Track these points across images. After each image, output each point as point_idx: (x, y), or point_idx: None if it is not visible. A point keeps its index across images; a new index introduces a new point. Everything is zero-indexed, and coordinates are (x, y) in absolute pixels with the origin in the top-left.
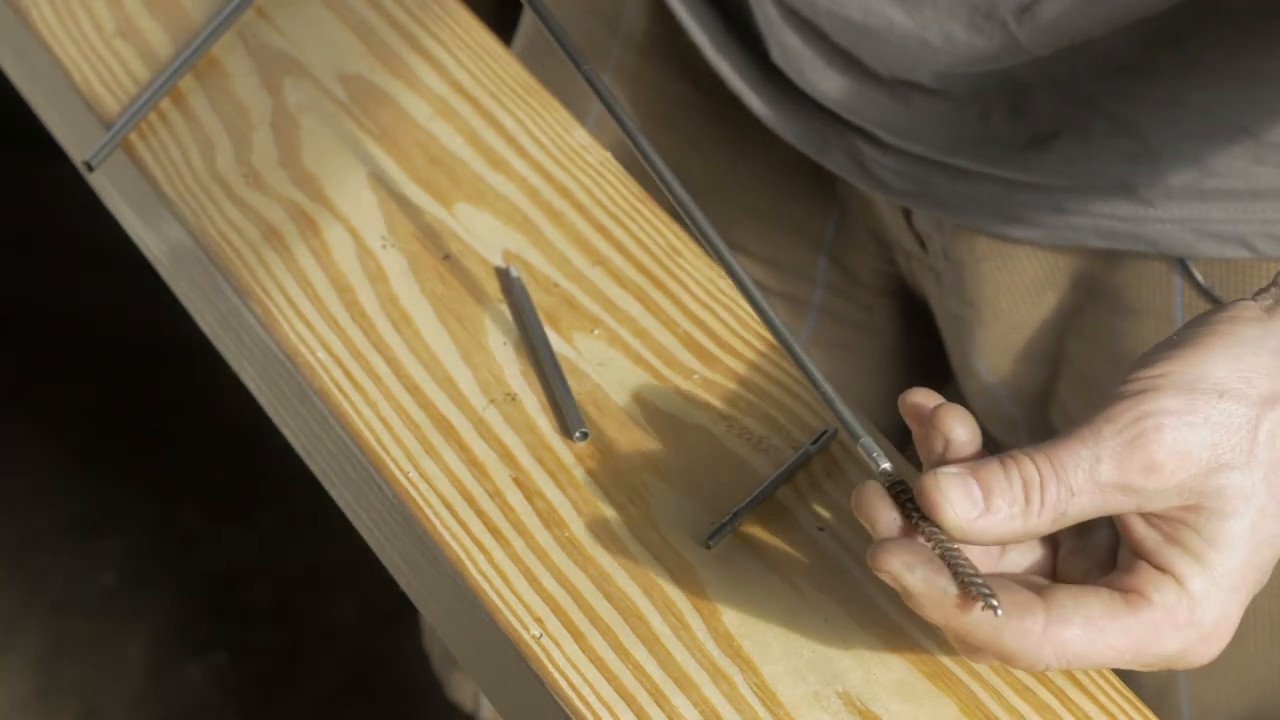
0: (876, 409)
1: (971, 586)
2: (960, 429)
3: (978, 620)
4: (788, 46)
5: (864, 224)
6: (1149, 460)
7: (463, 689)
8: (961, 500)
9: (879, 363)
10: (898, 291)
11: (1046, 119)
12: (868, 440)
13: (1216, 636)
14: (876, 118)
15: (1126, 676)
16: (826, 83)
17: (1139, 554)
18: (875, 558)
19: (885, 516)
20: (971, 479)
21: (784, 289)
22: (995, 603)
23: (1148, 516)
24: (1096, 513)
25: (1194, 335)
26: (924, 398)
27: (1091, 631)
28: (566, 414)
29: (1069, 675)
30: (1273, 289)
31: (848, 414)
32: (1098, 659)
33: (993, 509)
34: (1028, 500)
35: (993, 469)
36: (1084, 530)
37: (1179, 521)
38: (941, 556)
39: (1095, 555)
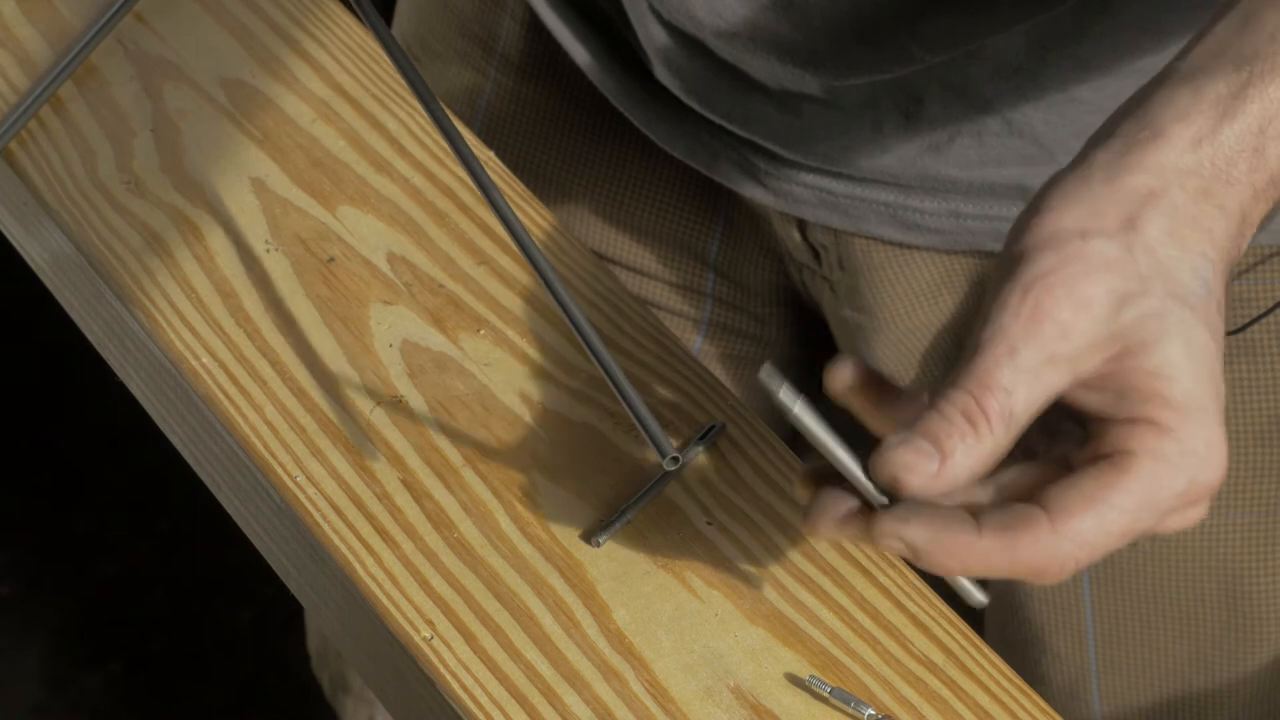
0: (770, 418)
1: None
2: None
3: (989, 551)
4: (673, 63)
5: (754, 237)
6: (1058, 324)
7: (356, 713)
8: (917, 460)
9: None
10: (789, 301)
11: (940, 124)
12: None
13: (1215, 455)
14: (766, 131)
15: (1036, 675)
16: (714, 98)
17: (1104, 418)
18: (884, 530)
19: (844, 506)
20: (916, 435)
21: (674, 304)
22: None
23: (1091, 383)
24: (1040, 400)
25: (1031, 203)
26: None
27: (1098, 509)
28: (655, 438)
29: (960, 665)
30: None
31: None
32: (1119, 532)
33: (948, 452)
34: (974, 425)
35: (930, 417)
36: (1050, 432)
37: (1118, 374)
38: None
39: (1074, 441)
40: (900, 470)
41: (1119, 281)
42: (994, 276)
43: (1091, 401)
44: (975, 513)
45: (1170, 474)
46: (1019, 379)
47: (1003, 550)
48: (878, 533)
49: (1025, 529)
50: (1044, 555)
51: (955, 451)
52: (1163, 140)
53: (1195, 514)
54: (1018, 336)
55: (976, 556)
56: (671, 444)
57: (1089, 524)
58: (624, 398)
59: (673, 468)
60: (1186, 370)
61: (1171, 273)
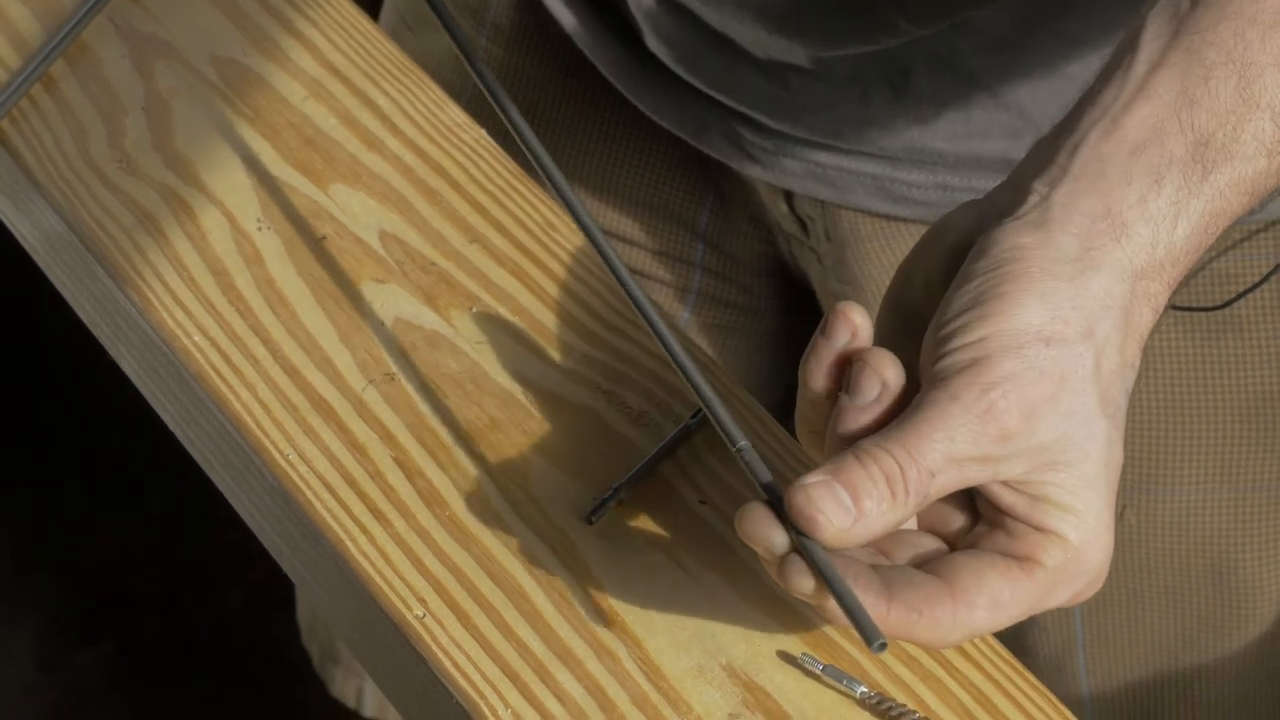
0: (756, 387)
1: (855, 619)
2: (893, 371)
3: (893, 623)
4: (663, 32)
5: (742, 207)
6: (1002, 430)
7: (345, 686)
8: (835, 511)
9: (759, 342)
10: (777, 272)
11: (928, 98)
12: (747, 447)
13: (1102, 573)
14: (754, 101)
15: (1022, 647)
16: (703, 67)
17: (1013, 516)
18: (794, 580)
19: (777, 539)
20: (839, 485)
21: (662, 274)
22: (883, 641)
23: (1010, 484)
24: (956, 487)
25: (994, 284)
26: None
27: (995, 609)
28: (863, 625)
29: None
30: (1032, 197)
31: (727, 420)
32: (999, 627)
33: (864, 512)
34: (893, 494)
35: (854, 470)
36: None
37: (1038, 485)
38: (822, 575)
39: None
40: (819, 514)
41: (1067, 397)
42: (942, 322)
43: (1006, 499)
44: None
45: (1063, 588)
46: (946, 466)
47: (903, 627)
48: (789, 569)
49: (929, 613)
50: (936, 637)
51: (870, 514)
52: (1125, 237)
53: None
54: (960, 429)
55: (885, 627)
56: (765, 469)
57: (984, 621)
58: (710, 411)
59: (743, 446)
60: (1099, 490)
61: (1109, 388)
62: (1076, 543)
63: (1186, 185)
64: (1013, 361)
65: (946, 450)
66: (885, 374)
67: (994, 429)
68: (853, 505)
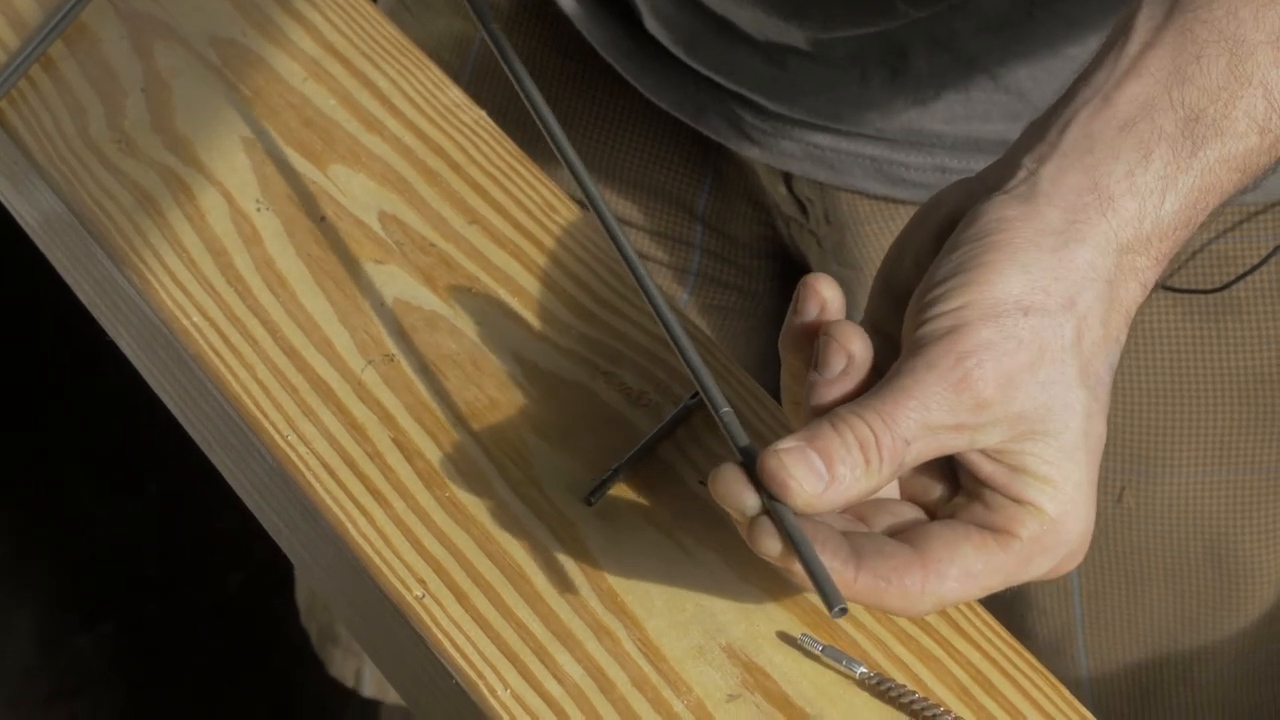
0: (756, 369)
1: (818, 584)
2: (859, 344)
3: (861, 590)
4: (662, 14)
5: (741, 190)
6: (978, 398)
7: (344, 666)
8: (807, 476)
9: (758, 323)
10: (776, 254)
11: (926, 80)
12: (729, 413)
13: (1082, 546)
14: (753, 83)
15: (1022, 629)
16: (702, 49)
17: (991, 487)
18: (762, 543)
19: (749, 501)
20: (812, 451)
21: (661, 255)
22: (844, 606)
23: (988, 453)
24: (932, 454)
25: (977, 254)
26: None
27: (967, 580)
28: (825, 589)
29: (953, 623)
30: (1021, 172)
31: (711, 385)
32: (973, 598)
33: (837, 477)
34: (867, 461)
35: (829, 436)
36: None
37: (1016, 454)
38: (789, 538)
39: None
40: (790, 479)
41: (1045, 367)
42: (922, 289)
43: (985, 469)
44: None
45: (1040, 560)
46: (921, 434)
47: (872, 595)
48: (757, 531)
49: (897, 582)
50: (905, 606)
51: (843, 480)
52: (1110, 210)
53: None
54: (935, 397)
55: (851, 594)
56: (744, 434)
57: (955, 591)
58: (696, 379)
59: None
60: (1081, 460)
61: (1090, 360)
62: (1054, 515)
63: (1175, 160)
64: (990, 330)
65: (921, 418)
66: (850, 347)
67: (969, 397)
68: (825, 471)
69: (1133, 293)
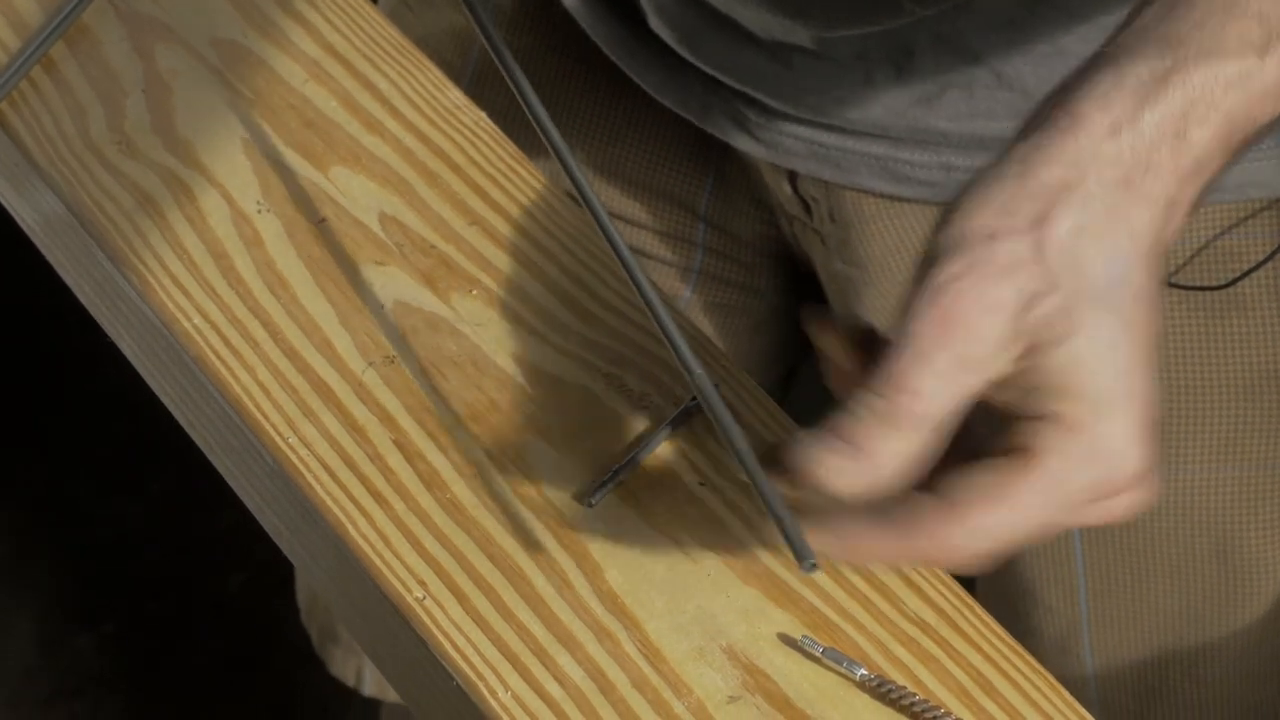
0: (758, 368)
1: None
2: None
3: (893, 542)
4: (666, 13)
5: (743, 188)
6: (966, 327)
7: (345, 665)
8: (831, 457)
9: (761, 322)
10: (780, 253)
11: (931, 77)
12: (701, 374)
13: (1132, 447)
14: (757, 82)
15: (1028, 628)
16: (706, 48)
17: (1013, 414)
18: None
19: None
20: (831, 434)
21: (664, 254)
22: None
23: (1002, 381)
24: (955, 400)
25: (954, 199)
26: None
27: (993, 501)
28: (794, 542)
29: (953, 625)
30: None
31: (685, 350)
32: (1018, 525)
33: (865, 446)
34: (888, 423)
35: (839, 417)
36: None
37: (1027, 371)
38: (758, 490)
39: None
40: (820, 466)
41: (1027, 281)
42: (914, 275)
43: (1001, 398)
44: None
45: (1075, 470)
46: (930, 382)
47: (904, 543)
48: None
49: (919, 524)
50: (941, 547)
51: (879, 452)
52: (1080, 128)
53: (1122, 504)
54: (927, 341)
55: (868, 544)
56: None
57: (984, 516)
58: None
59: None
60: (1096, 366)
61: (1083, 268)
62: (1073, 418)
63: (1153, 76)
64: (958, 261)
65: (919, 365)
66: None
67: (958, 330)
68: (849, 446)
69: (1154, 194)
